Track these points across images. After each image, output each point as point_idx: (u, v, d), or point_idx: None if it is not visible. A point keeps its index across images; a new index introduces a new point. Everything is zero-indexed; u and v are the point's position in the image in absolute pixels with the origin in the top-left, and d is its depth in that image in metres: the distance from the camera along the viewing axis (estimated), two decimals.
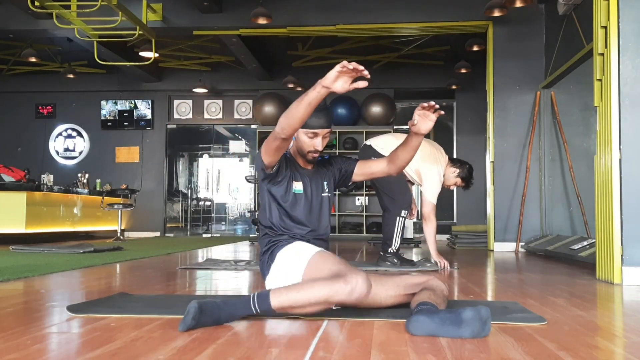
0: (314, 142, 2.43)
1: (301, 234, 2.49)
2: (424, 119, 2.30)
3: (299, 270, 2.33)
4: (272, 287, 2.28)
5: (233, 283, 3.68)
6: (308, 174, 2.54)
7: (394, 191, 4.82)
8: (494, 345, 1.86)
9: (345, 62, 1.98)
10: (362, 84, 2.00)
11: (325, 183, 2.56)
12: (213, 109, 11.69)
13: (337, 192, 10.95)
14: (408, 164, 2.47)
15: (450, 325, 1.90)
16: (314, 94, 2.07)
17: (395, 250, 4.76)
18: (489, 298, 3.13)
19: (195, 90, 11.21)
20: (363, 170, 2.58)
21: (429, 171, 4.72)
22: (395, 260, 4.73)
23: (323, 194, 2.55)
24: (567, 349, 1.79)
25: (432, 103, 2.24)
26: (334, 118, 2.47)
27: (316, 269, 2.28)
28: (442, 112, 2.30)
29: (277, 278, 2.41)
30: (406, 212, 4.82)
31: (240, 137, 13.37)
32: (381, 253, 4.78)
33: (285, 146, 2.30)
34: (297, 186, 2.50)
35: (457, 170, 4.82)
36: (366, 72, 1.98)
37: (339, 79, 2.02)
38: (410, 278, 2.38)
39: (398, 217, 4.83)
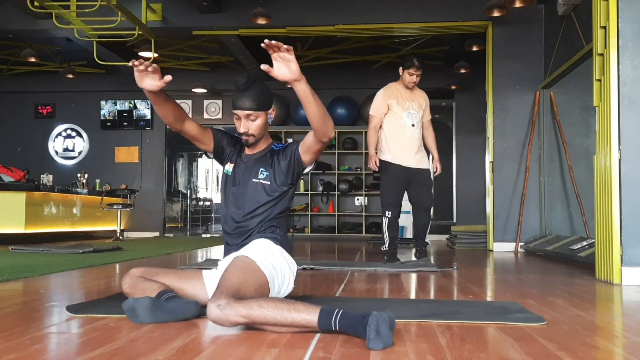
0: (237, 124, 2.41)
1: (224, 228, 2.49)
2: (281, 62, 2.09)
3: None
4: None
5: None
6: (248, 158, 2.49)
7: (380, 190, 5.02)
8: (494, 345, 1.86)
9: (132, 62, 2.12)
10: (167, 77, 2.16)
11: (262, 169, 2.44)
12: (212, 109, 11.68)
13: (336, 193, 10.94)
14: (321, 119, 2.20)
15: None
16: (147, 95, 2.25)
17: (386, 249, 4.91)
18: (489, 298, 3.14)
19: (194, 90, 11.21)
20: (303, 148, 2.41)
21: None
22: (385, 258, 4.86)
23: (254, 179, 2.42)
24: (566, 349, 1.79)
25: (274, 42, 2.04)
26: (264, 100, 2.34)
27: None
28: (289, 47, 2.05)
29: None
30: (389, 212, 4.89)
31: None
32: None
33: (191, 137, 2.47)
34: (228, 167, 2.51)
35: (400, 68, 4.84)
36: (151, 68, 2.12)
37: (144, 79, 2.17)
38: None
39: (383, 217, 4.97)
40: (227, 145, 2.53)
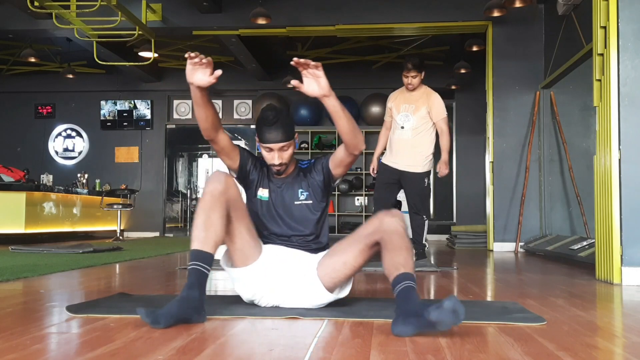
0: (270, 155, 2.38)
1: (270, 234, 2.47)
2: (311, 78, 2.11)
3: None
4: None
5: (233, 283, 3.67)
6: (280, 182, 2.48)
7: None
8: (494, 345, 1.86)
9: (187, 54, 2.06)
10: (218, 72, 2.08)
11: (300, 190, 2.47)
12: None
13: (336, 193, 10.95)
14: (352, 132, 2.25)
15: (425, 327, 1.90)
16: (192, 93, 2.17)
17: None
18: (489, 298, 3.14)
19: None
20: (334, 163, 2.45)
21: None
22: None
23: (296, 202, 2.45)
24: (566, 349, 1.79)
25: (302, 60, 2.06)
26: (292, 129, 2.43)
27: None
28: (317, 64, 2.07)
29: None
30: (374, 210, 5.04)
31: (239, 137, 13.36)
32: None
33: (221, 150, 2.39)
34: (262, 193, 2.47)
35: None
36: (206, 59, 2.06)
37: (195, 73, 2.10)
38: (363, 229, 2.30)
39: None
40: (253, 168, 2.48)
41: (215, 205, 2.19)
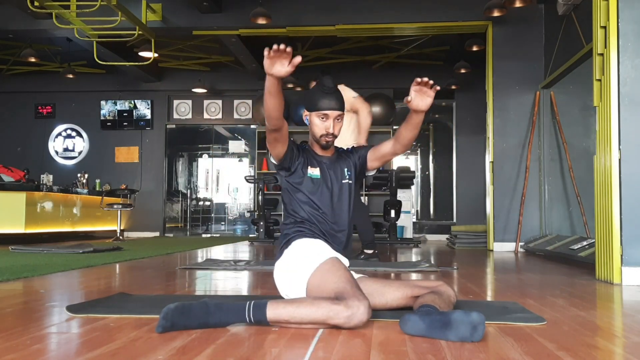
0: (325, 124, 2.41)
1: (323, 227, 2.42)
2: (422, 95, 2.26)
3: (306, 273, 2.24)
4: (276, 278, 2.39)
5: (232, 283, 3.68)
6: (326, 160, 2.51)
7: None
8: (494, 345, 1.86)
9: (266, 50, 2.06)
10: (297, 59, 2.11)
11: (345, 169, 2.52)
12: (212, 109, 11.69)
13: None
14: (413, 141, 2.44)
15: (438, 327, 1.87)
16: (267, 82, 2.16)
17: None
18: (489, 298, 3.14)
19: (194, 90, 11.21)
20: (375, 155, 2.53)
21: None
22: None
23: (343, 181, 2.50)
24: (566, 349, 1.79)
25: (426, 79, 2.21)
26: (343, 103, 2.51)
27: (321, 279, 2.19)
28: (438, 88, 2.25)
29: (284, 270, 2.35)
30: None
31: (239, 137, 13.37)
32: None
33: (280, 137, 2.37)
34: (314, 171, 2.47)
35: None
36: (288, 49, 2.08)
37: (274, 64, 2.10)
38: (420, 282, 2.37)
39: None
40: (298, 153, 2.49)
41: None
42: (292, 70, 2.12)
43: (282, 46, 2.05)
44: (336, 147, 2.60)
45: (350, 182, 2.52)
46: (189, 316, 1.98)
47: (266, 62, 2.09)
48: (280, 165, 2.48)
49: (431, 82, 2.21)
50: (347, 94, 4.99)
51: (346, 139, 4.97)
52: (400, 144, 2.44)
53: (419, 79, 2.20)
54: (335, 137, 2.45)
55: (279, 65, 2.10)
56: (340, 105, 2.41)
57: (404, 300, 2.27)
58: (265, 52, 2.06)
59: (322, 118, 2.41)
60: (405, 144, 2.43)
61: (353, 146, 2.64)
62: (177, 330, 1.96)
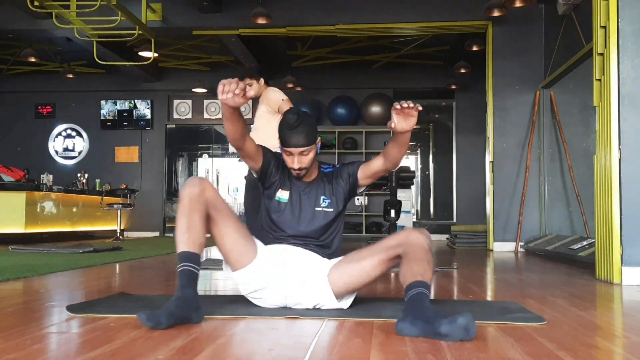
0: (290, 160, 2.39)
1: (283, 236, 2.45)
2: (405, 117, 2.21)
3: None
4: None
5: (232, 283, 3.67)
6: (303, 186, 2.48)
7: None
8: (494, 345, 1.86)
9: (220, 85, 2.09)
10: (250, 93, 2.13)
11: (323, 197, 2.47)
12: (212, 109, 11.68)
13: None
14: (402, 157, 2.41)
15: (432, 335, 1.88)
16: (223, 109, 2.20)
17: None
18: (489, 298, 3.14)
19: (194, 90, 11.21)
20: (365, 173, 2.49)
21: None
22: None
23: (317, 208, 2.45)
24: (566, 349, 1.79)
25: (406, 104, 2.15)
26: (313, 134, 2.43)
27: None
28: (420, 108, 2.18)
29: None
30: None
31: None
32: None
33: (246, 155, 2.40)
34: (283, 195, 2.47)
35: None
36: (241, 84, 2.09)
37: (233, 99, 2.12)
38: (389, 240, 2.31)
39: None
40: (275, 169, 2.48)
41: (195, 207, 2.22)
42: (244, 102, 2.14)
43: (232, 86, 2.09)
44: (322, 168, 2.55)
45: (327, 210, 2.46)
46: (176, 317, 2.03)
47: (221, 95, 2.12)
48: (258, 179, 2.52)
49: (411, 104, 2.15)
50: (276, 95, 5.13)
51: (270, 139, 5.04)
52: (390, 162, 2.41)
53: (398, 106, 2.14)
54: (306, 169, 2.42)
55: (237, 99, 2.12)
56: (304, 140, 2.34)
57: (382, 266, 2.29)
58: (219, 88, 2.10)
59: (287, 154, 2.39)
60: (395, 162, 2.41)
61: (340, 164, 2.57)
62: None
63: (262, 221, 2.53)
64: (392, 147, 2.36)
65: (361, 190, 2.55)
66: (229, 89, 2.07)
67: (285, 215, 2.45)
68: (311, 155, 2.40)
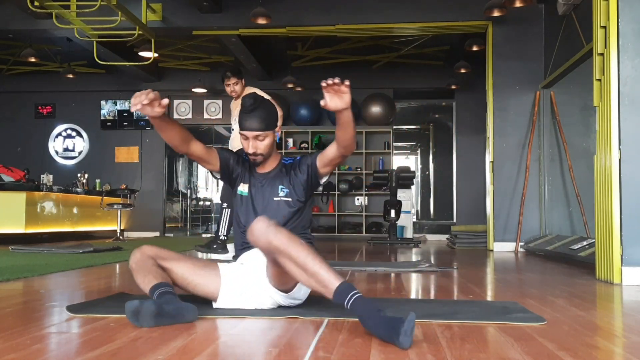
0: (245, 144, 2.41)
1: (244, 240, 2.41)
2: (337, 94, 2.10)
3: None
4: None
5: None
6: (263, 176, 2.50)
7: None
8: (494, 345, 1.86)
9: (135, 102, 2.12)
10: (165, 101, 2.17)
11: (281, 187, 2.47)
12: (212, 109, 11.68)
13: (336, 192, 10.95)
14: (353, 139, 2.30)
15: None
16: (150, 120, 2.28)
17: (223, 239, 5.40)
18: (489, 298, 3.14)
19: (194, 90, 11.21)
20: (323, 162, 2.46)
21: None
22: (215, 246, 5.36)
23: (275, 198, 2.46)
24: (566, 349, 1.79)
25: (331, 81, 2.05)
26: (271, 120, 2.42)
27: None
28: (348, 82, 2.08)
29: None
30: (226, 204, 5.36)
31: None
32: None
33: (197, 159, 2.44)
34: (242, 188, 2.50)
35: None
36: (150, 95, 2.12)
37: (144, 109, 2.16)
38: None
39: (223, 209, 5.40)
40: (235, 164, 2.51)
41: (144, 263, 2.30)
42: (163, 111, 2.18)
43: (144, 99, 2.12)
44: (283, 161, 2.55)
45: (285, 199, 2.46)
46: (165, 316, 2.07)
47: (132, 107, 2.17)
48: (222, 179, 2.55)
49: (337, 80, 2.05)
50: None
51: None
52: (342, 146, 2.34)
53: (323, 83, 2.06)
54: (262, 155, 2.42)
55: (148, 109, 2.16)
56: (259, 125, 2.36)
57: (276, 266, 2.17)
58: (132, 100, 2.13)
59: (244, 138, 2.41)
60: (346, 145, 2.33)
61: (301, 156, 2.55)
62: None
63: (234, 227, 2.59)
64: (337, 130, 2.28)
65: (324, 180, 2.51)
66: (138, 101, 2.11)
67: (246, 208, 2.49)
68: (267, 141, 2.41)
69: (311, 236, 2.55)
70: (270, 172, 2.51)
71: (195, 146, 2.41)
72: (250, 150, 2.40)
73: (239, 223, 2.51)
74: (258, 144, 2.40)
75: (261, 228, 2.03)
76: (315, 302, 2.45)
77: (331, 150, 2.41)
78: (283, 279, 2.24)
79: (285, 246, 1.99)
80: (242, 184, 2.51)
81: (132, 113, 11.67)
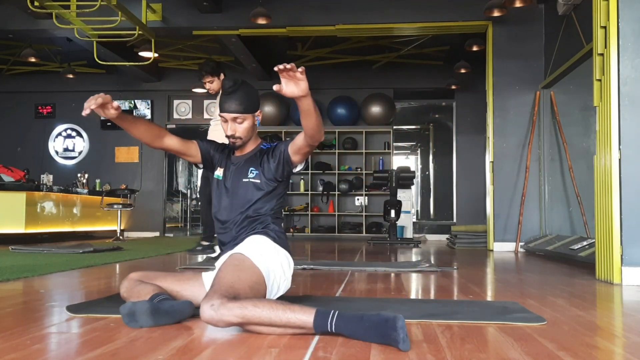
0: (225, 126, 2.43)
1: (218, 226, 2.51)
2: (293, 80, 2.08)
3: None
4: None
5: None
6: (238, 160, 2.52)
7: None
8: (494, 345, 1.86)
9: (85, 107, 2.16)
10: (115, 103, 2.22)
11: (251, 169, 2.47)
12: (213, 109, 11.67)
13: (336, 193, 10.95)
14: (317, 128, 2.26)
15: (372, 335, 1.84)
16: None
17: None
18: (489, 298, 3.14)
19: (194, 90, 11.21)
20: (293, 148, 2.43)
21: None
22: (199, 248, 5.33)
23: (244, 179, 2.45)
24: (566, 349, 1.79)
25: (282, 66, 2.02)
26: (251, 103, 2.43)
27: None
28: (302, 69, 2.05)
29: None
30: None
31: None
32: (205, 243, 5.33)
33: (176, 152, 2.51)
34: (219, 172, 2.53)
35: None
36: (91, 105, 2.16)
37: (99, 112, 2.20)
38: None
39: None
40: (215, 152, 2.55)
41: (134, 285, 2.33)
42: (116, 113, 2.23)
43: (90, 102, 2.16)
44: (262, 146, 2.54)
45: (254, 180, 2.45)
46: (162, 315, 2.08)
47: (87, 112, 2.20)
48: (206, 169, 2.60)
49: (288, 66, 2.02)
50: None
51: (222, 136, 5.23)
52: (308, 135, 2.32)
53: (276, 68, 2.03)
54: (240, 139, 2.43)
55: (100, 111, 2.21)
56: (238, 107, 2.36)
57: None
58: (84, 105, 2.17)
59: (223, 120, 2.42)
60: (311, 133, 2.29)
61: (277, 142, 2.55)
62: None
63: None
64: (301, 118, 2.26)
65: (297, 168, 2.49)
66: (87, 105, 2.15)
67: (218, 190, 2.52)
68: (246, 124, 2.42)
69: (276, 228, 2.46)
70: (245, 155, 2.52)
71: (170, 140, 2.44)
72: (229, 133, 2.41)
73: (214, 206, 2.53)
74: (237, 126, 2.41)
75: (211, 314, 1.89)
76: (315, 302, 2.45)
77: (300, 138, 2.39)
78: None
79: (243, 318, 1.89)
80: (219, 169, 2.53)
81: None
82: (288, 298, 2.37)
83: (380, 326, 1.80)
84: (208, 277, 2.39)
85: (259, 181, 2.45)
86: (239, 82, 2.40)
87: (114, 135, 11.69)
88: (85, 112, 2.16)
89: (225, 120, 2.41)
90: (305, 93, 2.11)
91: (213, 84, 5.30)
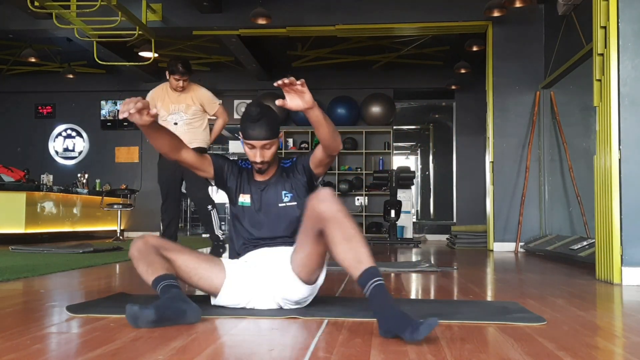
0: (252, 153, 2.38)
1: (253, 239, 2.45)
2: (296, 93, 2.11)
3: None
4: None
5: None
6: (262, 184, 2.48)
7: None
8: (494, 345, 1.86)
9: (123, 110, 2.11)
10: (153, 111, 2.15)
11: (284, 192, 2.46)
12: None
13: (336, 193, 10.94)
14: (332, 137, 2.26)
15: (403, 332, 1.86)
16: (142, 129, 2.26)
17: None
18: (489, 298, 3.14)
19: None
20: (314, 162, 2.43)
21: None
22: (221, 250, 5.30)
23: (280, 204, 2.44)
24: (566, 349, 1.79)
25: (281, 81, 2.05)
26: (276, 127, 2.41)
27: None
28: (301, 81, 2.08)
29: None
30: (210, 205, 5.37)
31: (240, 137, 13.36)
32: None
33: (190, 166, 2.45)
34: (244, 199, 2.48)
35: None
36: (131, 109, 2.09)
37: (133, 118, 2.14)
38: (304, 222, 2.19)
39: (210, 212, 5.38)
40: (230, 174, 2.50)
41: (147, 252, 2.26)
42: (151, 120, 2.18)
43: (129, 105, 2.10)
44: (282, 164, 2.53)
45: (291, 204, 2.44)
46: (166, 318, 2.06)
47: (120, 114, 2.17)
48: (217, 186, 2.56)
49: (287, 80, 2.05)
50: (212, 97, 5.36)
51: (197, 137, 5.25)
52: (325, 147, 2.32)
53: (275, 84, 2.06)
54: (267, 163, 2.41)
55: (137, 117, 2.14)
56: (266, 133, 2.33)
57: (320, 244, 2.17)
58: (121, 108, 2.14)
59: (250, 147, 2.38)
60: (326, 144, 2.29)
61: (296, 157, 2.54)
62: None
63: (231, 232, 2.54)
64: (315, 131, 2.25)
65: (319, 180, 2.51)
66: (126, 109, 2.10)
67: (251, 218, 2.46)
68: (273, 149, 2.39)
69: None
70: (270, 179, 2.48)
71: (187, 154, 2.41)
72: (258, 160, 2.37)
73: (246, 234, 2.47)
74: (265, 152, 2.37)
75: (330, 193, 2.07)
76: (315, 302, 2.45)
77: (318, 151, 2.39)
78: (311, 266, 2.23)
79: (344, 215, 2.03)
80: (242, 195, 2.48)
81: None
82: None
83: (404, 321, 1.83)
84: (231, 266, 2.37)
85: (295, 203, 2.45)
86: (265, 108, 2.36)
87: (114, 135, 11.70)
88: (122, 115, 2.11)
89: (252, 147, 2.36)
90: (310, 105, 2.12)
91: (186, 83, 5.27)
